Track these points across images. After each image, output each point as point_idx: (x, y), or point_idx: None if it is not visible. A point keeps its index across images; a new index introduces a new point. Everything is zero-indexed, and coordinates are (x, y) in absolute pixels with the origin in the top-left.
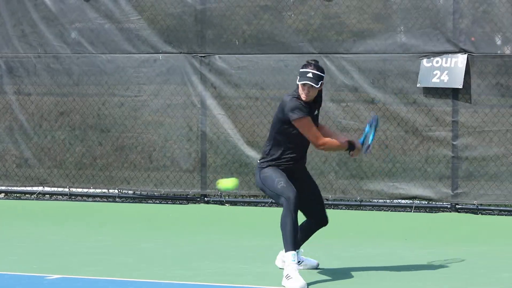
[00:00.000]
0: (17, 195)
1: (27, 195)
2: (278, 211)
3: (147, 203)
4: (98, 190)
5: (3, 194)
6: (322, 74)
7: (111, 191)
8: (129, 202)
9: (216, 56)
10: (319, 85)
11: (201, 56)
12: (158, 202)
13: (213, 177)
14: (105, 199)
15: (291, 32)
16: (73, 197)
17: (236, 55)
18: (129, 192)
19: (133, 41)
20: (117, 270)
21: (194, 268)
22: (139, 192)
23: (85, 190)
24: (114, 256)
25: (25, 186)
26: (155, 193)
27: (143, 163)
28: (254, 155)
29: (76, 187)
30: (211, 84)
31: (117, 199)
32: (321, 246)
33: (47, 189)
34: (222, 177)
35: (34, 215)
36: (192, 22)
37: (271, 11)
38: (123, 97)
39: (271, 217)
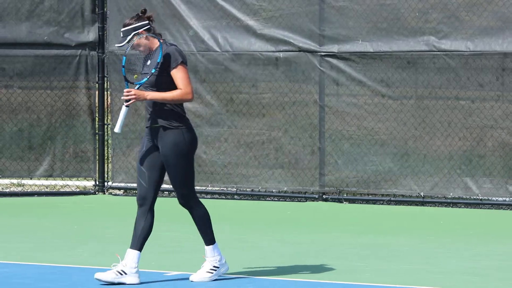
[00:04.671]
0: (136, 191)
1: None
2: (396, 210)
3: (265, 200)
4: (216, 188)
5: (122, 190)
6: (125, 28)
7: (229, 188)
8: (247, 199)
9: (337, 53)
10: (128, 38)
11: (321, 54)
12: (276, 199)
13: (333, 175)
14: (223, 196)
15: (410, 29)
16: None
17: (358, 52)
18: (247, 189)
19: (255, 39)
20: (232, 267)
21: (310, 266)
22: (258, 189)
23: (203, 187)
24: (228, 253)
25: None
26: (273, 191)
27: (262, 160)
28: (376, 152)
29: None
30: (332, 81)
31: (235, 197)
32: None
33: (165, 186)
34: (342, 175)
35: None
36: (313, 20)
37: (390, 9)
38: (247, 94)
39: (389, 215)
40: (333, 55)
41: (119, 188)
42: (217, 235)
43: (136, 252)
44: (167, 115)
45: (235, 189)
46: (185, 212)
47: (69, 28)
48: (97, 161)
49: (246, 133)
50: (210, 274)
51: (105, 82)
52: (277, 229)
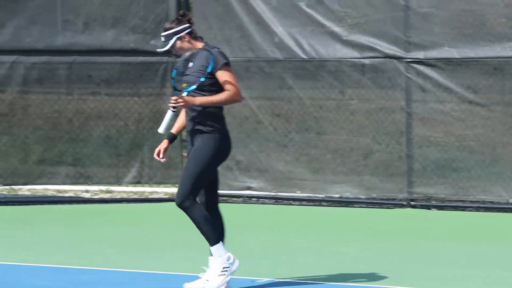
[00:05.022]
0: (224, 198)
1: (234, 198)
2: (485, 217)
3: (353, 207)
4: (304, 195)
5: None
6: (167, 32)
7: (317, 195)
8: (335, 206)
9: (423, 59)
10: (170, 44)
11: (408, 60)
12: (364, 206)
13: (421, 182)
14: (311, 203)
15: (497, 35)
16: (279, 200)
17: (444, 59)
18: (335, 195)
19: (341, 45)
20: (320, 274)
21: (396, 273)
22: (346, 196)
23: (291, 194)
24: (316, 260)
25: (232, 190)
26: (361, 197)
27: (350, 166)
28: (464, 158)
29: (283, 191)
30: (418, 87)
31: (323, 203)
32: None
33: (253, 192)
34: (430, 182)
35: (240, 218)
36: (398, 26)
37: (476, 14)
38: (334, 100)
39: (478, 222)
40: (419, 62)
41: None
42: (307, 243)
43: (216, 245)
44: (202, 119)
45: (323, 196)
46: (275, 218)
47: (155, 34)
48: None
49: (334, 139)
50: (223, 276)
51: None
52: (365, 236)
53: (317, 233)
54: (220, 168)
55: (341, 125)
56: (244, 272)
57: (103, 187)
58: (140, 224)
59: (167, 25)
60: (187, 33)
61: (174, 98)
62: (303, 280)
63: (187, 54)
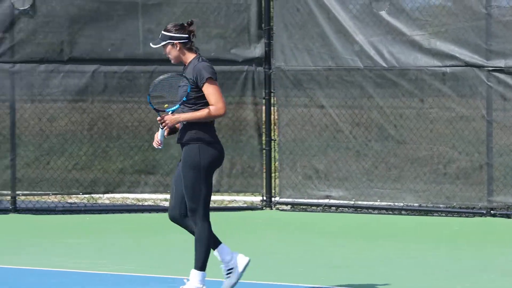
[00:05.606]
0: (303, 207)
1: (313, 207)
2: None
3: (432, 215)
4: (383, 203)
5: (289, 206)
6: (164, 32)
7: (396, 204)
8: (414, 214)
9: (504, 68)
10: (162, 43)
11: (489, 69)
12: (443, 214)
13: (501, 190)
14: (390, 212)
15: None
16: (358, 209)
17: None
18: (415, 204)
19: (422, 54)
20: (397, 283)
21: (473, 282)
22: (425, 205)
23: (371, 202)
24: (394, 268)
25: (311, 198)
26: (441, 206)
27: (430, 175)
28: None
29: (362, 200)
30: (499, 96)
31: (402, 212)
32: None
33: (333, 201)
34: (510, 190)
35: (318, 227)
36: (479, 34)
37: None
38: (414, 109)
39: None
40: (500, 70)
41: (286, 204)
42: (386, 252)
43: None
44: (187, 130)
45: (403, 204)
46: (354, 227)
47: (235, 44)
48: (264, 177)
49: (414, 148)
50: (230, 277)
51: (272, 97)
52: (445, 245)
53: (396, 242)
54: (300, 177)
55: (421, 133)
56: (323, 281)
57: None
58: (219, 232)
59: (169, 26)
60: (181, 43)
61: (158, 118)
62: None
63: (170, 75)
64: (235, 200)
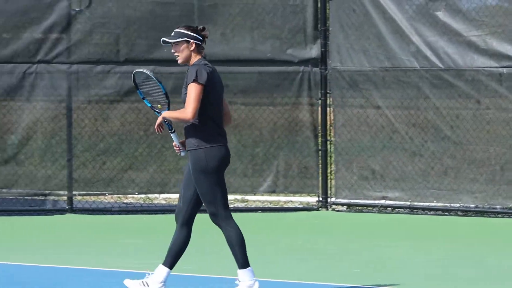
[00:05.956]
0: (359, 207)
1: (369, 208)
2: None
3: (489, 216)
4: (439, 204)
5: (345, 206)
6: (180, 30)
7: (453, 204)
8: (471, 215)
9: None
10: (177, 40)
11: None
12: (500, 216)
13: None
14: (446, 213)
15: None
16: (414, 210)
17: None
18: (471, 205)
19: (478, 54)
20: (455, 284)
21: None
22: (482, 206)
23: (427, 203)
24: (450, 269)
25: (367, 199)
26: (497, 207)
27: (487, 176)
28: None
29: (418, 201)
30: None
31: (458, 213)
32: None
33: (389, 202)
34: None
35: (374, 228)
36: None
37: None
38: (470, 110)
39: None
40: None
41: (342, 204)
42: (442, 253)
43: (166, 269)
44: (189, 135)
45: (459, 205)
46: (410, 228)
47: (291, 44)
48: (320, 177)
49: (470, 149)
50: None
51: (328, 98)
52: (501, 246)
53: (452, 243)
54: (355, 177)
55: (478, 134)
56: (379, 281)
57: (238, 196)
58: (274, 233)
59: (185, 26)
60: (195, 43)
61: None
62: None
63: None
64: (291, 201)
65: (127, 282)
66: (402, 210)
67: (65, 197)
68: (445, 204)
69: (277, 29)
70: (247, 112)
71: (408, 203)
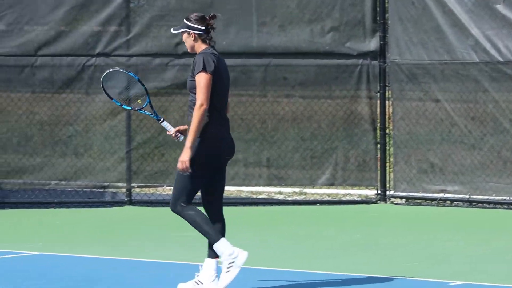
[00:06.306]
0: (417, 201)
1: (427, 201)
2: None
3: None
4: (498, 198)
5: (404, 199)
6: (184, 20)
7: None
8: None
9: None
10: (179, 30)
11: None
12: None
13: None
14: (506, 206)
15: None
16: (474, 203)
17: None
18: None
19: None
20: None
21: None
22: None
23: (486, 197)
24: (509, 263)
25: (426, 192)
26: None
27: None
28: None
29: (477, 194)
30: None
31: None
32: None
33: (447, 195)
34: None
35: (433, 221)
36: None
37: None
38: None
39: None
40: None
41: (401, 197)
42: (501, 245)
43: (213, 260)
44: (189, 124)
45: None
46: (469, 221)
47: (350, 37)
48: (379, 170)
49: None
50: (230, 273)
51: (387, 91)
52: None
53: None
54: (414, 171)
55: None
56: (438, 275)
57: (297, 189)
58: (333, 226)
59: (191, 15)
60: (196, 33)
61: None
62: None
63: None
64: (349, 194)
65: (180, 286)
66: (461, 203)
67: (124, 189)
68: (504, 198)
69: (336, 22)
70: (306, 105)
71: (467, 196)
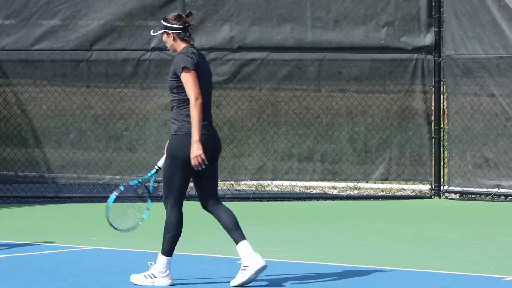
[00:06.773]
0: (472, 196)
1: (482, 196)
2: None
3: None
4: None
5: (458, 194)
6: (162, 21)
7: None
8: None
9: None
10: (158, 32)
11: None
12: None
13: None
14: None
15: None
16: None
17: None
18: None
19: None
20: None
21: None
22: None
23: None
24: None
25: (481, 187)
26: None
27: None
28: None
29: None
30: None
31: None
32: None
33: (502, 190)
34: None
35: (488, 216)
36: None
37: None
38: None
39: None
40: None
41: (455, 192)
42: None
43: (248, 246)
44: (174, 120)
45: None
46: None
47: (405, 32)
48: (433, 165)
49: None
50: (145, 279)
51: (441, 86)
52: None
53: None
54: (469, 166)
55: None
56: (493, 270)
57: (351, 184)
58: (387, 220)
59: (169, 15)
60: (174, 33)
61: (195, 163)
62: None
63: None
64: (403, 189)
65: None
66: None
67: None
68: None
69: (391, 17)
70: (360, 100)
71: None
